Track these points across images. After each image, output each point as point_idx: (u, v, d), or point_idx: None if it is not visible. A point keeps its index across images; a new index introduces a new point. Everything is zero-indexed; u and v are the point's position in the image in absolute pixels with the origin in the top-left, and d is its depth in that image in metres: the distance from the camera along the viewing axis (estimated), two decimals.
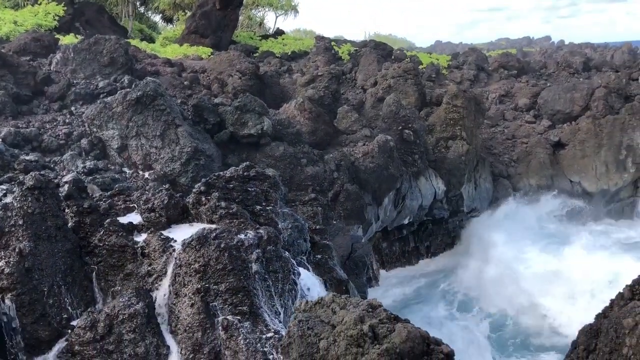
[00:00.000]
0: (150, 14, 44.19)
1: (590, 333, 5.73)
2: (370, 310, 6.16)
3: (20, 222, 9.57)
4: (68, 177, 12.41)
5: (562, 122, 28.59)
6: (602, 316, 5.70)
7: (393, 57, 31.65)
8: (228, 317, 9.55)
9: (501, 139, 28.44)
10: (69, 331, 9.52)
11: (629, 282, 5.61)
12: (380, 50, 31.35)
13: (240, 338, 9.26)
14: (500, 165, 27.08)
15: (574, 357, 5.89)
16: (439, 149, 23.81)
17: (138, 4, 39.29)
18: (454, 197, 24.38)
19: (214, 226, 10.81)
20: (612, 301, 5.58)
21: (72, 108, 17.77)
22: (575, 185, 27.38)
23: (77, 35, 24.78)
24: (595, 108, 28.16)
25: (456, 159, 23.64)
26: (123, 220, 11.57)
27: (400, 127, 22.23)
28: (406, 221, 22.72)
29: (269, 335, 9.43)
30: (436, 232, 24.62)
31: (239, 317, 9.49)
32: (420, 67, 30.88)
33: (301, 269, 11.89)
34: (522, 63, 35.39)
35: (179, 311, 9.83)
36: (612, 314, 5.33)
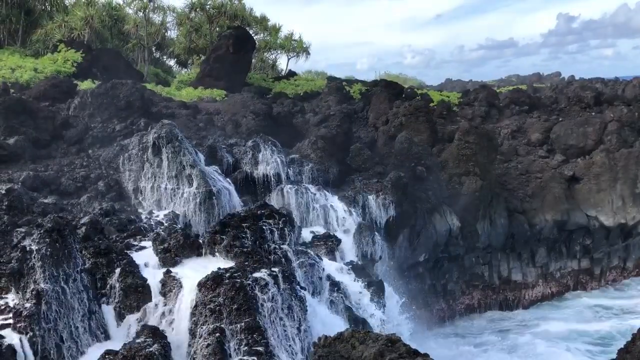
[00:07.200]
0: (165, 59, 45.19)
1: None
2: (389, 344, 6.11)
3: (39, 264, 9.66)
4: (85, 219, 12.58)
5: (576, 156, 28.45)
6: (624, 351, 5.59)
7: (404, 95, 31.93)
8: (244, 357, 9.47)
9: (515, 174, 28.30)
10: None
11: None
12: (391, 89, 31.64)
13: None
14: (514, 200, 26.86)
15: None
16: (453, 185, 23.77)
17: (154, 49, 40.27)
18: (469, 233, 24.16)
19: (228, 265, 10.85)
20: (634, 335, 5.48)
21: (90, 151, 18.11)
22: (592, 219, 27.06)
23: (94, 81, 25.39)
24: (608, 142, 28.08)
25: (470, 195, 23.56)
26: (139, 260, 11.66)
27: (413, 164, 22.30)
28: (421, 258, 22.51)
29: None
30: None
31: (254, 357, 9.40)
32: (431, 104, 31.09)
33: (318, 307, 11.83)
34: (533, 99, 35.44)
35: (194, 352, 9.77)
36: (634, 348, 5.23)
